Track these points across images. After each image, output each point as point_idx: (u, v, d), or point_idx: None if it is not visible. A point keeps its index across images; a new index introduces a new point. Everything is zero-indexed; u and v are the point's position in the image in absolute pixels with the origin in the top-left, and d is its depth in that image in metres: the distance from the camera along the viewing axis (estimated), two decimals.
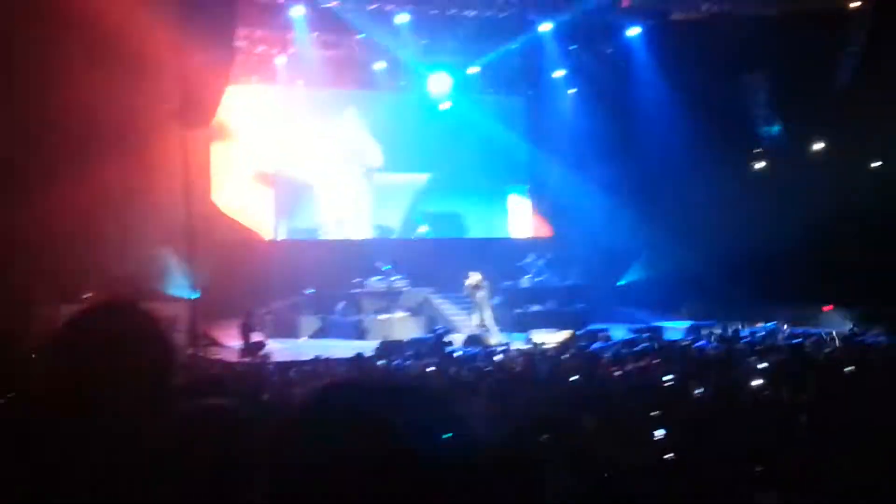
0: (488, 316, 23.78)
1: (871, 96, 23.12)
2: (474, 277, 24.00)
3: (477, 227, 29.71)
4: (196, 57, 21.58)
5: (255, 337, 21.56)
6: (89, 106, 19.80)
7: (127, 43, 19.37)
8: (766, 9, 24.54)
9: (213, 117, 24.00)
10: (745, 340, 18.06)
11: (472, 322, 23.96)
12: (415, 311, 25.49)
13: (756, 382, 12.14)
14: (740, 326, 21.24)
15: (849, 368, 12.25)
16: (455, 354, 17.84)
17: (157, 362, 2.57)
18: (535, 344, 19.28)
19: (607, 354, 15.70)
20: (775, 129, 25.90)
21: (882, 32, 23.51)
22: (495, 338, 22.20)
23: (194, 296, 21.86)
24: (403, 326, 24.10)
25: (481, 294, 23.93)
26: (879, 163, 25.10)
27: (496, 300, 26.28)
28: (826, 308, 23.95)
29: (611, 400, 10.80)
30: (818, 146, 26.04)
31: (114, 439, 2.40)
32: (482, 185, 29.39)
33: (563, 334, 21.42)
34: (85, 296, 19.59)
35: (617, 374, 13.91)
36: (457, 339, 21.75)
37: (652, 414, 9.88)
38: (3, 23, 18.49)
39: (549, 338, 21.11)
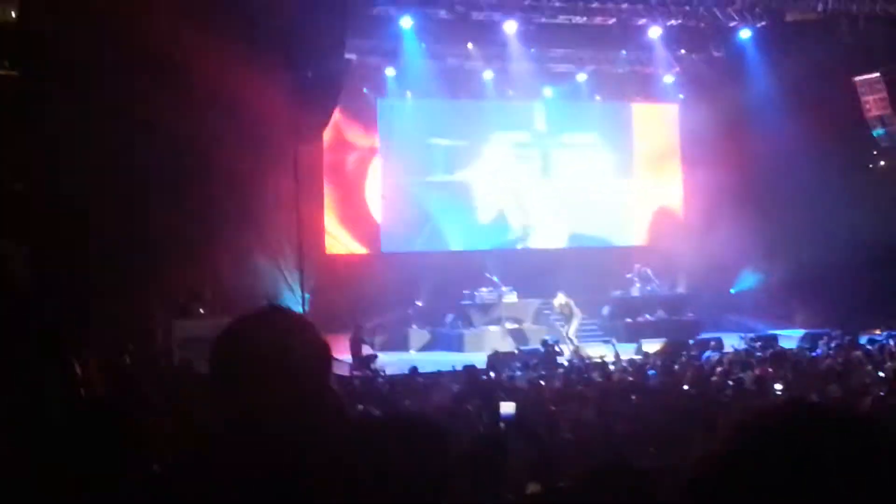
0: (573, 330, 23.68)
1: None
2: (560, 298, 23.99)
3: (586, 235, 29.51)
4: (309, 69, 21.94)
5: (366, 350, 21.68)
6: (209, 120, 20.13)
7: (244, 54, 19.64)
8: (883, 7, 24.03)
9: (325, 128, 24.35)
10: (862, 349, 17.72)
11: (569, 336, 23.76)
12: (524, 323, 25.41)
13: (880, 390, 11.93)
14: (858, 334, 20.78)
15: None
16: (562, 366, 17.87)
17: (321, 369, 2.56)
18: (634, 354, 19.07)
19: (719, 367, 15.55)
20: (892, 130, 25.30)
21: None
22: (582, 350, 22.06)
23: (303, 309, 21.96)
24: (513, 338, 24.18)
25: (568, 311, 23.89)
26: None
27: (605, 310, 26.20)
28: None
29: (721, 412, 10.72)
30: None
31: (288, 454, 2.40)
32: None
33: (658, 344, 21.25)
34: (200, 311, 19.94)
35: (730, 383, 13.80)
36: (566, 350, 21.73)
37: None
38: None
39: (648, 348, 21.05)
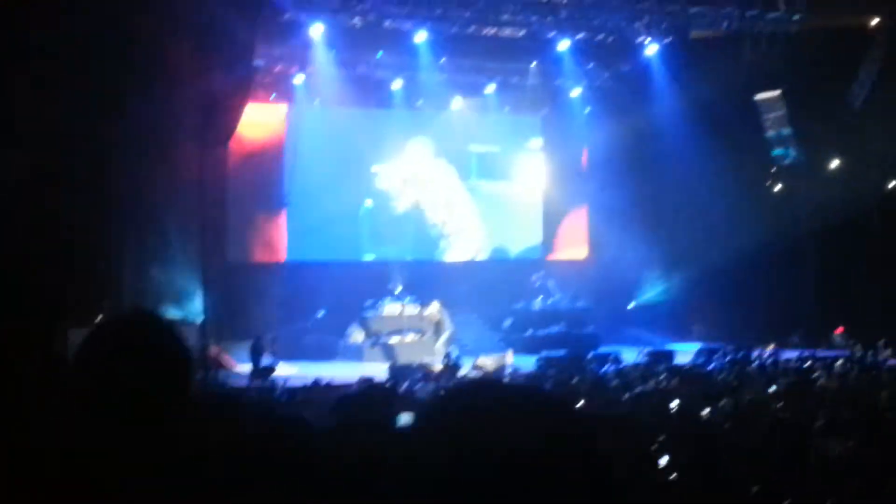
0: (442, 342, 23.67)
1: (887, 114, 23.17)
2: (434, 306, 23.94)
3: (490, 247, 29.61)
4: (216, 75, 21.73)
5: (266, 360, 21.55)
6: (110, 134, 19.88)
7: (151, 61, 19.43)
8: (784, 27, 24.55)
9: (232, 136, 24.13)
10: (755, 363, 18.06)
11: (436, 349, 23.71)
12: (426, 334, 25.44)
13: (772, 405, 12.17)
14: (751, 349, 21.21)
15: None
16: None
17: (176, 374, 2.57)
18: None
19: (616, 380, 15.73)
20: (791, 148, 25.85)
21: None
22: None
23: (203, 318, 21.76)
24: (415, 349, 24.10)
25: (438, 322, 23.81)
26: (892, 184, 25.06)
27: (507, 322, 26.38)
28: (837, 331, 23.92)
29: (619, 425, 10.85)
30: (834, 165, 26.01)
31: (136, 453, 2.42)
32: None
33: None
34: (97, 320, 19.55)
35: (626, 397, 13.95)
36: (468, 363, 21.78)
37: (660, 438, 9.94)
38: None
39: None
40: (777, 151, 26.04)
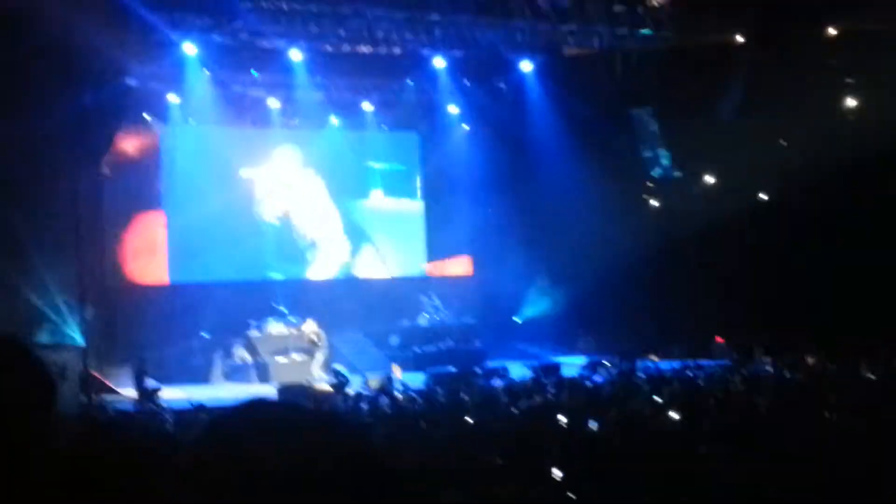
0: (318, 365, 23.42)
1: (755, 127, 23.80)
2: (309, 325, 23.75)
3: (374, 265, 29.48)
4: (87, 95, 21.29)
5: (150, 383, 21.11)
6: None
7: (16, 82, 18.96)
8: (653, 44, 25.03)
9: (105, 156, 23.64)
10: (639, 374, 18.30)
11: (314, 370, 23.43)
12: (312, 353, 25.20)
13: (657, 415, 12.35)
14: (635, 360, 21.54)
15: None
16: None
17: (37, 399, 2.49)
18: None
19: (505, 395, 15.79)
20: (665, 162, 26.36)
21: (764, 64, 24.19)
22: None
23: (83, 342, 21.20)
24: (302, 369, 23.80)
25: (315, 342, 23.59)
26: (763, 196, 25.72)
27: (394, 339, 26.34)
28: (718, 340, 24.42)
29: (509, 438, 10.88)
30: (706, 178, 26.59)
31: None
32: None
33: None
34: None
35: (514, 411, 14.00)
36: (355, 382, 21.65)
37: (550, 450, 9.99)
38: None
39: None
40: (652, 166, 26.53)
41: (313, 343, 23.44)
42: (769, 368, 18.13)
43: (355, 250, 29.12)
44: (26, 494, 2.36)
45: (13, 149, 19.74)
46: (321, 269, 28.75)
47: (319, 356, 23.39)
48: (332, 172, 28.99)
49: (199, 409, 15.90)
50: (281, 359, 24.50)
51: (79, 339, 20.89)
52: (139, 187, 26.21)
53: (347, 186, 29.27)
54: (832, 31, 25.10)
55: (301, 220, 28.59)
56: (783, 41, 24.63)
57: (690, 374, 17.63)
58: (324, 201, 28.98)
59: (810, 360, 18.19)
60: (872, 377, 16.08)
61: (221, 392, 19.69)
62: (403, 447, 10.50)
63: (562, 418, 12.46)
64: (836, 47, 24.48)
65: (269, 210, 27.91)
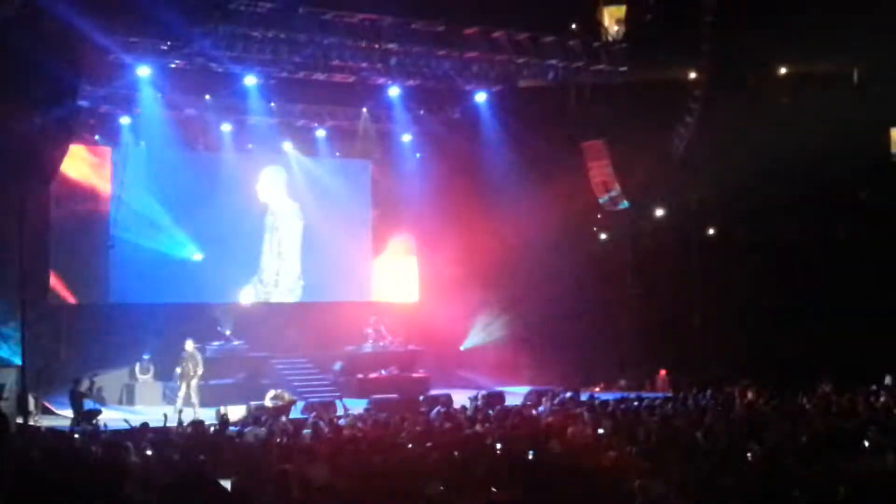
0: (194, 386, 22.66)
1: (705, 163, 24.09)
2: (188, 345, 22.98)
3: (321, 291, 29.41)
4: (36, 114, 21.14)
5: (88, 404, 20.86)
6: None
7: None
8: (607, 78, 25.23)
9: (54, 176, 23.43)
10: (584, 405, 18.37)
11: (180, 395, 22.58)
12: (255, 376, 25.06)
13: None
14: (579, 391, 21.63)
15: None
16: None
17: None
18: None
19: (447, 423, 15.81)
20: (616, 194, 26.55)
21: (715, 101, 24.51)
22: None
23: (21, 362, 20.89)
24: (244, 392, 23.56)
25: (191, 364, 22.74)
26: (711, 231, 25.99)
27: (337, 365, 26.26)
28: (660, 374, 24.60)
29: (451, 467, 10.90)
30: (658, 212, 26.81)
31: None
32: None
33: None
34: None
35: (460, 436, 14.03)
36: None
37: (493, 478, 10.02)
38: None
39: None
40: (602, 198, 26.71)
41: (191, 367, 22.72)
42: (710, 402, 18.29)
43: (303, 274, 29.00)
44: None
45: None
46: (270, 292, 28.66)
47: (194, 381, 22.68)
48: (281, 202, 28.94)
49: (140, 429, 15.84)
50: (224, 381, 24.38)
51: (17, 359, 20.63)
52: (88, 208, 26.04)
53: (299, 215, 29.15)
54: (782, 71, 25.54)
55: (253, 258, 28.59)
56: (735, 79, 25.02)
57: (633, 406, 17.75)
58: (280, 224, 28.96)
59: (750, 394, 18.40)
60: (808, 406, 16.33)
61: (160, 413, 19.50)
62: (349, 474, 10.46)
63: (499, 447, 12.54)
64: (785, 86, 24.91)
65: (221, 257, 27.66)
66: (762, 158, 23.06)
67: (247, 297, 28.30)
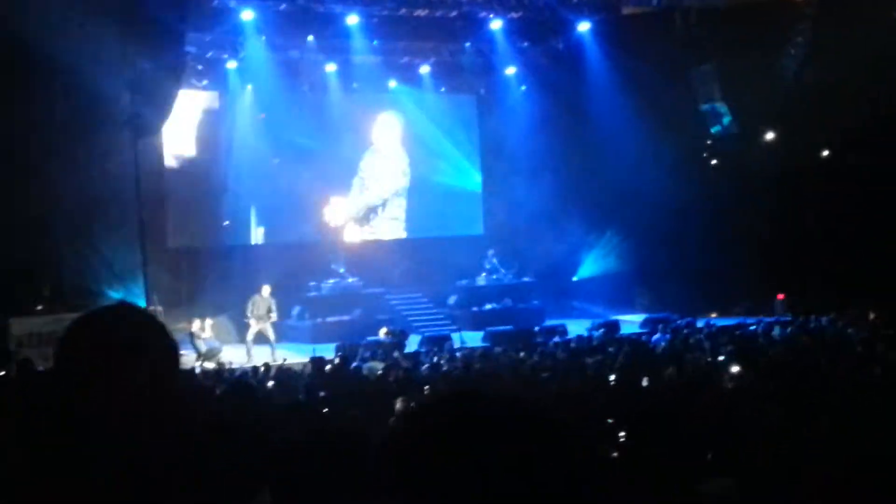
0: (252, 335, 22.50)
1: (818, 86, 23.44)
2: (265, 290, 22.91)
3: (431, 225, 29.55)
4: (145, 63, 21.48)
5: (209, 343, 21.28)
6: (38, 117, 19.67)
7: (75, 52, 19.14)
8: (714, 1, 24.72)
9: (165, 123, 23.84)
10: (699, 333, 18.21)
11: (250, 335, 22.45)
12: (370, 312, 25.24)
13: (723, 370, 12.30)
14: (696, 318, 21.44)
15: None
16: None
17: (169, 367, 2.52)
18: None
19: (564, 353, 15.82)
20: (726, 121, 26.07)
21: (826, 22, 23.80)
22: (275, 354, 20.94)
23: (147, 305, 21.30)
24: (362, 328, 23.70)
25: (264, 310, 22.68)
26: (827, 152, 25.36)
27: (452, 299, 26.37)
28: (779, 297, 24.20)
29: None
30: (768, 137, 26.26)
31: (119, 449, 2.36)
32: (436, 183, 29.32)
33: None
34: (38, 307, 19.41)
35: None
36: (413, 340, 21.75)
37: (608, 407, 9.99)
38: None
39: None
40: (712, 123, 26.26)
41: (263, 313, 22.77)
42: (826, 325, 17.99)
43: (416, 210, 29.18)
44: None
45: (71, 114, 20.04)
46: (383, 229, 28.93)
47: (265, 326, 22.68)
48: (390, 139, 29.08)
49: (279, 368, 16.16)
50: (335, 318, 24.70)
51: (140, 298, 21.07)
52: (199, 153, 26.50)
53: (406, 151, 29.29)
54: None
55: (368, 180, 28.83)
56: None
57: (751, 331, 17.54)
58: (389, 162, 29.14)
59: (871, 316, 18.02)
60: None
61: (281, 352, 19.77)
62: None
63: (616, 374, 12.51)
64: None
65: (333, 196, 28.05)
66: (879, 78, 22.36)
67: (352, 234, 28.61)
